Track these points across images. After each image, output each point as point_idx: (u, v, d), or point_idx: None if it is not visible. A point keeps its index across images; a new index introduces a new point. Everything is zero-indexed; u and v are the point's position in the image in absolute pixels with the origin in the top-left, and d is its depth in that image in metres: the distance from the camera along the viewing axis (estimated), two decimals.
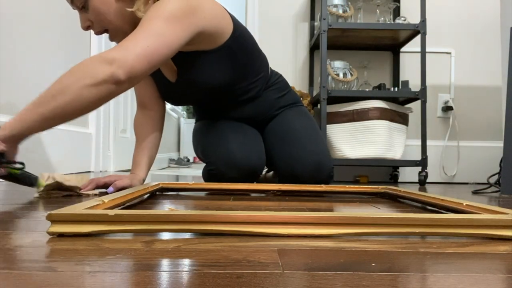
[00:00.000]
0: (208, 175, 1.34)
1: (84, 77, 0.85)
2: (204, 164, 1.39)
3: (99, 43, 2.29)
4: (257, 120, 1.43)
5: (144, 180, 1.21)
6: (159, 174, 2.44)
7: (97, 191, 1.06)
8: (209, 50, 1.18)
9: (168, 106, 3.98)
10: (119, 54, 0.88)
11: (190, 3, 1.04)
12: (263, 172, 1.66)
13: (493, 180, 1.61)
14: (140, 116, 1.31)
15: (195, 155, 5.87)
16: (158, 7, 1.00)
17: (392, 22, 2.20)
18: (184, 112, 5.68)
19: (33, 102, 0.87)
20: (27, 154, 1.59)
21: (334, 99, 2.04)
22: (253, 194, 1.16)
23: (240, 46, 1.25)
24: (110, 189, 1.05)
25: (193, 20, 1.04)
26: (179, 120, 5.64)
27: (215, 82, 1.23)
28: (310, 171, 1.28)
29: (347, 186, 1.18)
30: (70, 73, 0.87)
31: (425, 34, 2.04)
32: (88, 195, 1.01)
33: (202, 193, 1.15)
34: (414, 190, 1.06)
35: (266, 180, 1.62)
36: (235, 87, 1.30)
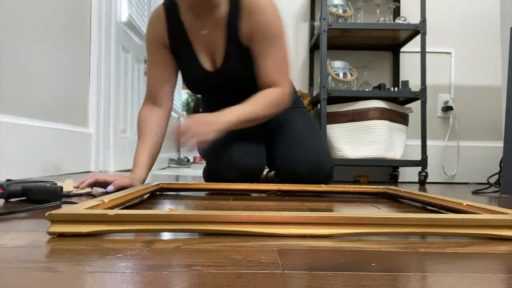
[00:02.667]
0: (208, 175, 1.34)
1: (278, 110, 1.24)
2: (205, 164, 1.39)
3: (99, 43, 2.29)
4: None
5: (144, 181, 1.20)
6: (159, 174, 2.44)
7: (89, 189, 1.05)
8: None
9: None
10: (289, 92, 1.26)
11: (277, 10, 1.22)
12: (264, 172, 1.66)
13: (493, 180, 1.61)
14: (147, 111, 1.27)
15: (195, 155, 5.87)
16: (270, 29, 1.20)
17: (392, 22, 2.20)
18: (184, 112, 5.68)
19: (245, 111, 1.16)
20: (28, 154, 1.59)
21: (334, 99, 2.04)
22: (253, 194, 1.15)
23: None
24: (110, 187, 1.04)
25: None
26: (179, 120, 5.64)
27: (252, 75, 1.27)
28: (310, 170, 1.28)
29: (347, 186, 1.18)
30: (271, 106, 1.21)
31: (425, 34, 2.04)
32: (81, 195, 1.00)
33: (202, 193, 1.15)
34: (414, 190, 1.06)
35: (267, 180, 1.62)
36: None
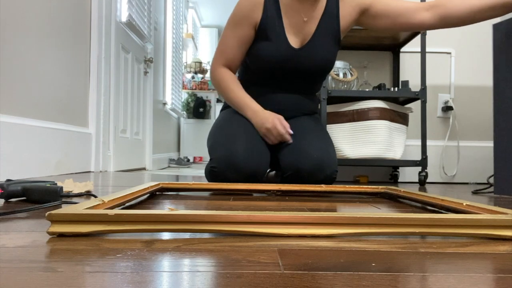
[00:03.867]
0: (210, 173, 1.34)
1: None
2: (205, 164, 1.39)
3: (99, 43, 2.29)
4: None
5: None
6: (159, 174, 2.44)
7: (89, 189, 1.05)
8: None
9: (168, 106, 3.97)
10: None
11: None
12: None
13: (493, 180, 1.61)
14: (223, 70, 1.46)
15: (195, 155, 5.85)
16: None
17: None
18: (184, 112, 5.68)
19: None
20: (28, 154, 1.59)
21: (334, 99, 2.04)
22: (254, 194, 1.15)
23: None
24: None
25: None
26: (179, 120, 5.63)
27: (328, 62, 1.45)
28: (313, 166, 1.29)
29: (347, 186, 1.18)
30: None
31: (425, 34, 2.04)
32: (81, 195, 0.99)
33: (202, 193, 1.15)
34: (414, 190, 1.06)
35: (268, 180, 1.62)
36: (323, 78, 1.52)
